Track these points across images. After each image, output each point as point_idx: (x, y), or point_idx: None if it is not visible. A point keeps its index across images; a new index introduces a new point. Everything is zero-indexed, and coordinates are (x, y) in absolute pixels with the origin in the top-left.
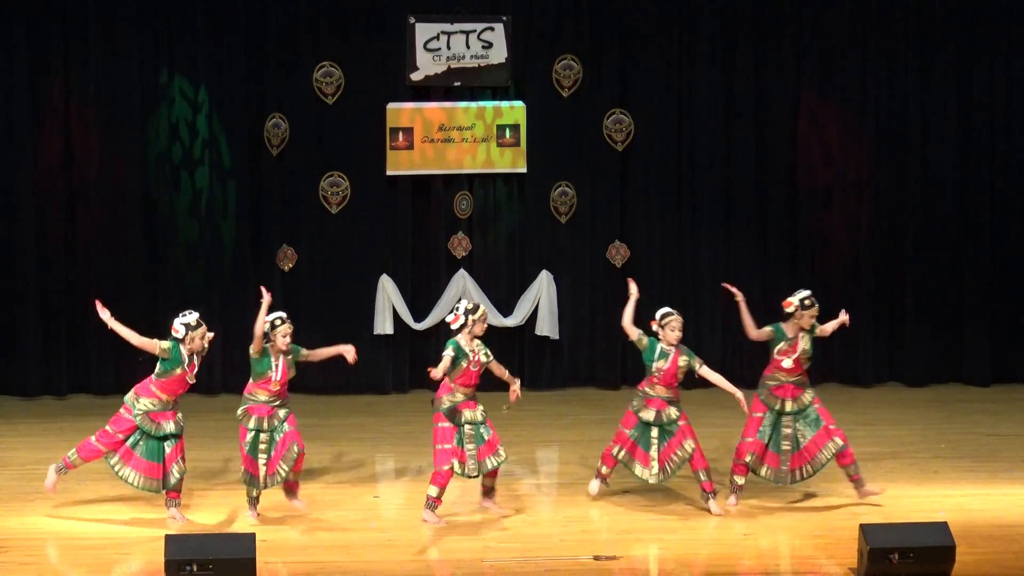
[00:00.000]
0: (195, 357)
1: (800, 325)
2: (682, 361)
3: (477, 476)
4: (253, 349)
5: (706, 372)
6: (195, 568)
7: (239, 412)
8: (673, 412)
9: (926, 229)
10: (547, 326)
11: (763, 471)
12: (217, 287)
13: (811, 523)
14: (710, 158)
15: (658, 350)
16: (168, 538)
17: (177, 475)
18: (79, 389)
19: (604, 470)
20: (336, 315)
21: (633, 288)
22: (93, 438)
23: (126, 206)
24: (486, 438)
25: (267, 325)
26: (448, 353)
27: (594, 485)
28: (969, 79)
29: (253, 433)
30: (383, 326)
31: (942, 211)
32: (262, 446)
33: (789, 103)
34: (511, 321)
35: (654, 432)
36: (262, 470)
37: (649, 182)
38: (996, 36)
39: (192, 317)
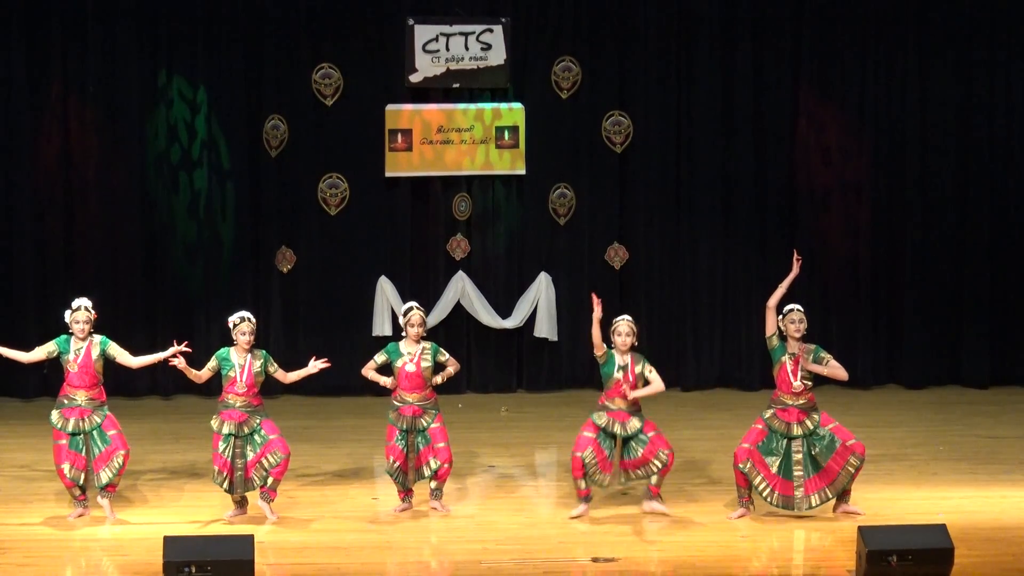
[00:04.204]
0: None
1: (789, 335)
2: (639, 368)
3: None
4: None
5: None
6: (193, 570)
7: (212, 420)
8: (636, 423)
9: (925, 231)
10: (546, 328)
11: (774, 499)
12: (215, 289)
13: (809, 525)
14: (709, 160)
15: (616, 362)
16: (167, 539)
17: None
18: None
19: (584, 486)
20: (335, 317)
21: (597, 309)
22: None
23: (125, 207)
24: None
25: (230, 323)
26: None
27: (579, 509)
28: (968, 82)
29: (225, 437)
30: (382, 328)
31: (941, 213)
32: (237, 451)
33: (788, 105)
34: (510, 323)
35: (618, 443)
36: (238, 474)
37: (648, 184)
38: (995, 40)
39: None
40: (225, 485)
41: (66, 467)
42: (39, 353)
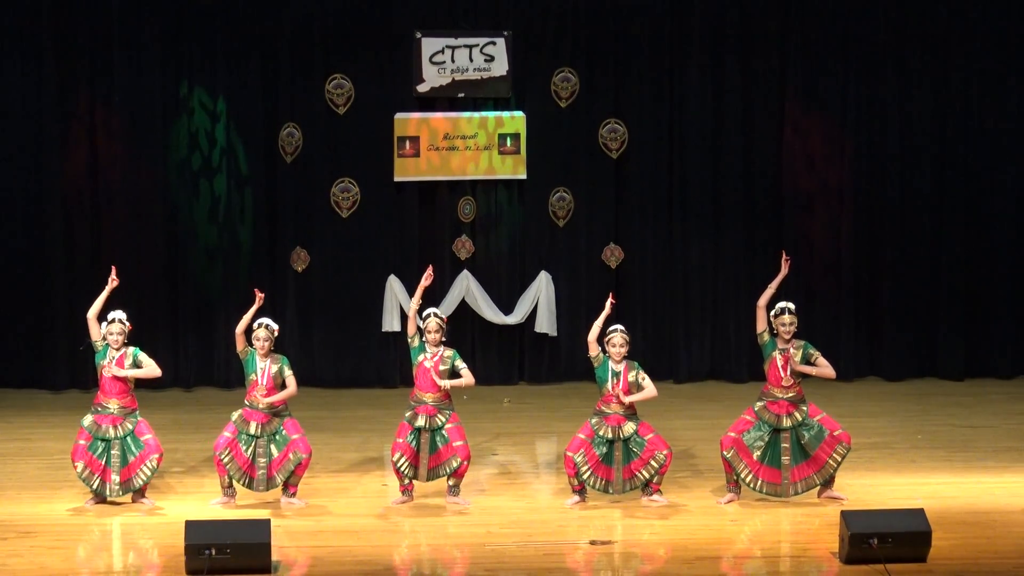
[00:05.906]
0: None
1: (780, 336)
2: (631, 376)
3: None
4: (238, 347)
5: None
6: (214, 552)
7: (235, 416)
8: (631, 426)
9: (903, 232)
10: (546, 323)
11: (758, 485)
12: (234, 288)
13: (796, 510)
14: (699, 165)
15: (609, 369)
16: (188, 523)
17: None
18: None
19: (576, 483)
20: (346, 313)
21: (608, 309)
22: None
23: (148, 211)
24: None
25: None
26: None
27: (572, 500)
28: (945, 91)
29: (248, 438)
30: (391, 324)
31: (918, 216)
32: (260, 450)
33: (774, 113)
34: (512, 319)
35: (617, 448)
36: (260, 472)
37: (642, 188)
38: (969, 54)
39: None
40: (244, 482)
41: (79, 466)
42: (96, 328)
